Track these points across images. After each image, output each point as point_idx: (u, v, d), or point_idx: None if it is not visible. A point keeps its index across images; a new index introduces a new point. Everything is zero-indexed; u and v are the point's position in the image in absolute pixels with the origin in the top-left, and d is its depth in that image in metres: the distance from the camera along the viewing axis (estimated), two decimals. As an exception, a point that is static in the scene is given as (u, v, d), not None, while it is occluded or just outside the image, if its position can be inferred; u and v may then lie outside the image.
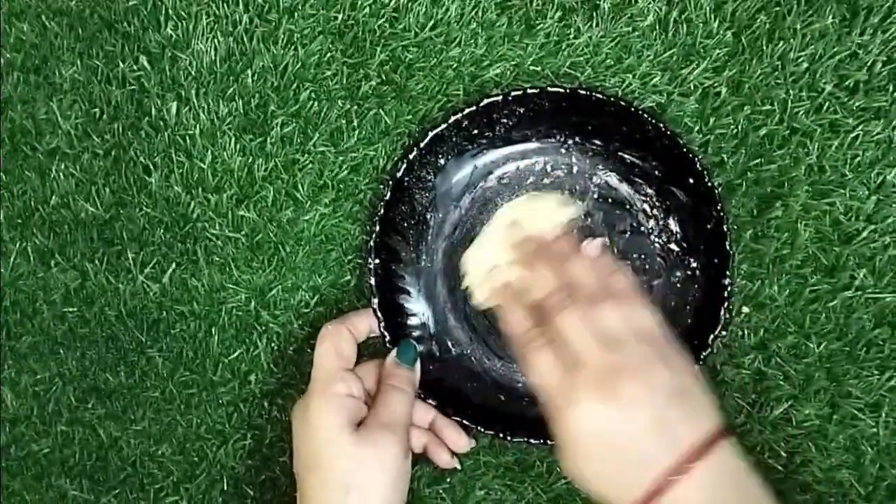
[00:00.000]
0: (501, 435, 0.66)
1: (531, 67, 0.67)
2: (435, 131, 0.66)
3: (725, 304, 0.64)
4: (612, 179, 0.68)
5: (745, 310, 0.66)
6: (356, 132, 0.68)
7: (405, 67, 0.68)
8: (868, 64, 0.64)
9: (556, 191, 0.69)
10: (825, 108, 0.65)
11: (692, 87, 0.66)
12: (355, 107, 0.68)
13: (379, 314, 0.67)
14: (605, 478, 0.56)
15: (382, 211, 0.67)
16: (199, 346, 0.71)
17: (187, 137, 0.69)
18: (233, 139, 0.69)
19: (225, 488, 0.72)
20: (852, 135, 0.65)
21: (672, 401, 0.56)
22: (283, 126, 0.68)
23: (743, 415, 0.66)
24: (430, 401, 0.67)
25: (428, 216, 0.69)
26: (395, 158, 0.69)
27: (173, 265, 0.70)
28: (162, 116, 0.69)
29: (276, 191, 0.69)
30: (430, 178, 0.68)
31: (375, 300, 0.67)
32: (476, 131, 0.67)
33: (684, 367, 0.58)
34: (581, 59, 0.67)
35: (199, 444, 0.72)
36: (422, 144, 0.66)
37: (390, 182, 0.67)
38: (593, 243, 0.65)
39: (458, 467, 0.68)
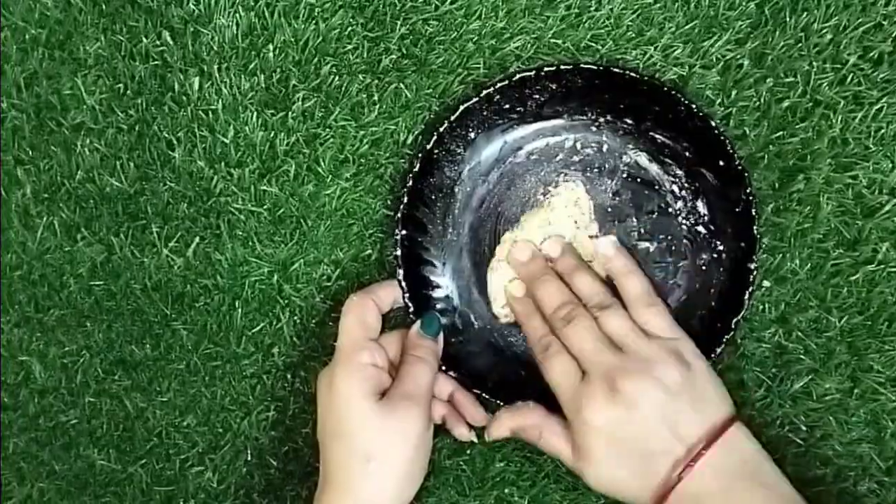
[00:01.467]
0: None
1: (552, 40, 0.67)
2: (466, 104, 0.66)
3: (750, 289, 0.64)
4: (642, 159, 0.68)
5: (766, 283, 0.66)
6: (377, 106, 0.68)
7: (425, 41, 0.68)
8: (893, 35, 0.64)
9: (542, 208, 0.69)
10: (849, 80, 0.64)
11: (714, 60, 0.66)
12: (376, 81, 0.68)
13: (404, 285, 0.67)
14: (622, 478, 0.60)
15: (411, 182, 0.67)
16: (222, 320, 0.72)
17: (210, 112, 0.69)
18: (255, 114, 0.69)
19: (249, 459, 0.73)
20: (876, 107, 0.64)
21: (676, 395, 0.59)
22: (305, 101, 0.69)
23: (763, 388, 0.66)
24: (450, 373, 0.67)
25: (456, 189, 0.69)
26: (418, 132, 0.69)
27: (197, 239, 0.71)
28: (185, 91, 0.70)
29: (298, 165, 0.69)
30: (459, 151, 0.68)
31: (401, 271, 0.67)
32: (507, 106, 0.67)
33: (692, 359, 0.61)
34: (602, 31, 0.66)
35: (224, 416, 0.73)
36: (452, 117, 0.66)
37: (420, 154, 0.67)
38: (605, 241, 0.67)
39: (475, 440, 0.69)
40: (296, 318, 0.71)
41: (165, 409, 0.73)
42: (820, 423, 0.66)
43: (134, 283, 0.72)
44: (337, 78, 0.68)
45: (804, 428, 0.66)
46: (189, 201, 0.71)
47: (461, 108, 0.66)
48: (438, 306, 0.69)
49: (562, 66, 0.65)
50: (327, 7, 0.68)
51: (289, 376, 0.72)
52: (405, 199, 0.67)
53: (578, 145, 0.69)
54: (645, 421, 0.58)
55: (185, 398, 0.73)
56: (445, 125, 0.66)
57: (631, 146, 0.68)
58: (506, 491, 0.70)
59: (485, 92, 0.66)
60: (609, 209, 0.69)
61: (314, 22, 0.68)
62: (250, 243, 0.70)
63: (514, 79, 0.66)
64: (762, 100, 0.65)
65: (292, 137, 0.69)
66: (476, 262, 0.70)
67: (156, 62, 0.70)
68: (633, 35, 0.66)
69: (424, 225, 0.69)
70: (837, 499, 0.65)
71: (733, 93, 0.66)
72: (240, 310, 0.71)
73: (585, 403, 0.60)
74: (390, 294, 0.68)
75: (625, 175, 0.68)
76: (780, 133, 0.65)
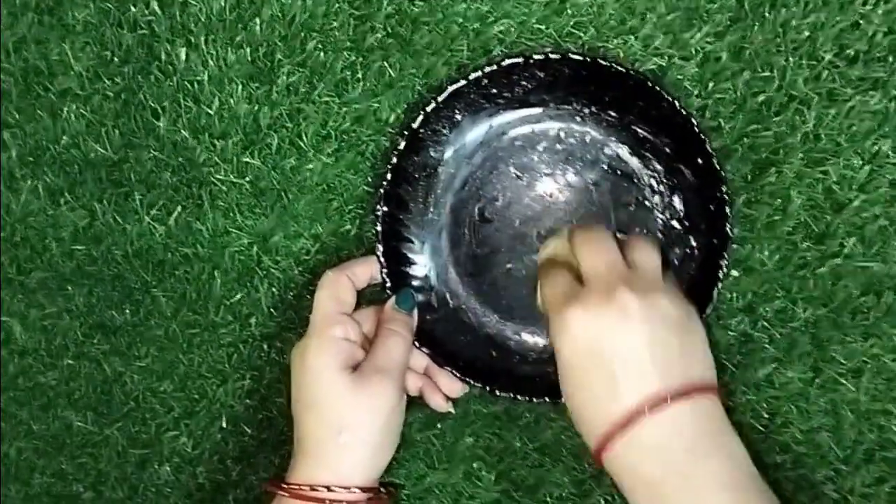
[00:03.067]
0: (489, 389, 0.67)
1: (535, 26, 0.68)
2: (454, 86, 0.67)
3: (719, 285, 0.65)
4: (623, 152, 0.69)
5: (735, 273, 0.67)
6: (360, 84, 0.69)
7: (411, 21, 0.68)
8: (869, 34, 0.65)
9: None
10: (824, 76, 0.65)
11: (693, 52, 0.67)
12: (360, 59, 0.69)
13: (382, 261, 0.68)
14: (588, 391, 0.57)
15: (395, 160, 0.68)
16: (202, 288, 0.72)
17: (195, 83, 0.70)
18: (240, 86, 0.70)
19: (224, 426, 0.74)
20: (849, 104, 0.65)
21: (673, 331, 0.56)
22: (290, 75, 0.69)
23: (727, 375, 0.67)
24: (423, 350, 0.68)
25: (439, 170, 0.70)
26: (401, 111, 0.69)
27: (179, 208, 0.72)
28: (171, 61, 0.70)
29: (281, 139, 0.70)
30: (444, 132, 0.69)
31: (380, 247, 0.68)
32: (494, 90, 0.68)
33: (694, 316, 0.59)
34: (585, 19, 0.67)
35: (200, 383, 0.74)
36: (440, 98, 0.67)
37: (405, 132, 0.67)
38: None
39: (453, 411, 0.70)
40: (274, 289, 0.72)
41: (143, 374, 0.74)
42: (781, 411, 0.67)
43: (115, 249, 0.73)
44: (322, 54, 0.69)
45: (766, 415, 0.67)
46: (172, 170, 0.71)
47: (449, 89, 0.67)
48: (415, 283, 0.70)
49: (550, 55, 0.66)
50: (315, -17, 0.69)
51: (265, 346, 0.73)
52: (389, 176, 0.68)
53: (562, 134, 0.69)
54: (634, 341, 0.55)
55: (163, 364, 0.74)
56: (433, 105, 0.67)
57: (613, 138, 0.69)
58: (474, 465, 0.71)
59: (473, 75, 0.67)
60: (588, 200, 0.70)
61: (302, -2, 0.69)
62: (231, 214, 0.71)
63: (502, 64, 0.66)
64: (738, 93, 0.66)
65: (276, 111, 0.70)
66: (455, 242, 0.71)
67: (143, 31, 0.70)
68: (615, 24, 0.67)
69: (406, 202, 0.70)
70: (795, 485, 0.67)
71: (710, 85, 0.67)
72: (219, 279, 0.72)
73: (574, 302, 0.56)
74: (366, 270, 0.68)
75: (605, 167, 0.69)
76: (755, 126, 0.66)
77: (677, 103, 0.65)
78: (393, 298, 0.68)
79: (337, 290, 0.67)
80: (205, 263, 0.72)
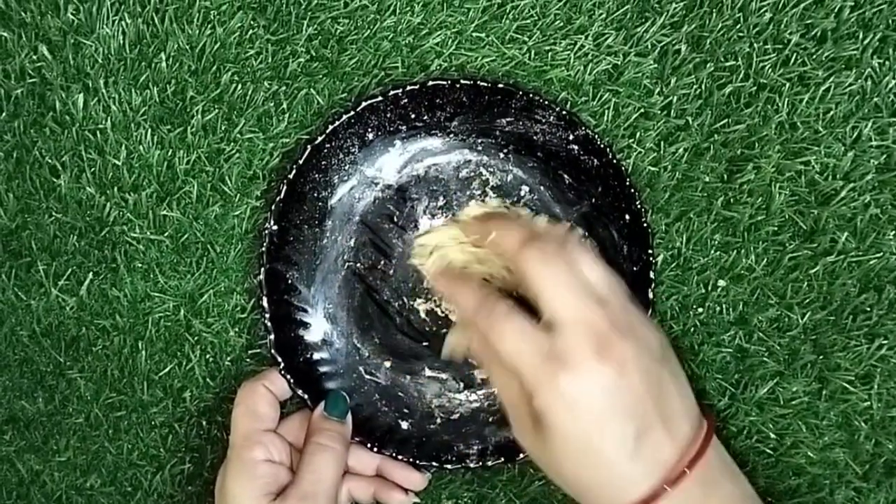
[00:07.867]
0: (449, 467, 0.61)
1: (474, 34, 0.61)
2: (368, 102, 0.60)
3: None
4: (546, 196, 0.63)
5: (722, 283, 0.61)
6: (286, 115, 0.62)
7: (336, 41, 0.62)
8: (835, 10, 0.60)
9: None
10: (793, 60, 0.60)
11: (650, 46, 0.61)
12: (283, 87, 0.62)
13: (269, 322, 0.61)
14: (595, 470, 0.50)
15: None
16: (125, 364, 0.64)
17: (98, 132, 0.62)
18: (149, 131, 0.62)
19: (164, 519, 0.65)
20: (823, 87, 0.60)
21: (664, 369, 0.51)
22: (205, 113, 0.62)
23: (727, 397, 0.61)
24: (368, 445, 0.62)
25: (344, 199, 0.64)
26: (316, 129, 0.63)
27: (90, 275, 0.63)
28: (68, 110, 0.62)
29: (201, 185, 0.62)
30: (353, 149, 0.63)
31: (265, 301, 0.61)
32: (413, 115, 0.62)
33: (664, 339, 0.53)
34: (528, 21, 0.61)
35: (133, 473, 0.65)
36: (351, 113, 0.61)
37: (308, 147, 0.61)
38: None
39: (418, 501, 0.62)
40: (208, 356, 0.64)
41: (65, 470, 0.65)
42: (789, 430, 0.61)
43: (20, 330, 0.64)
44: (239, 86, 0.62)
45: (773, 436, 0.61)
46: (79, 233, 0.63)
47: (363, 104, 0.60)
48: (323, 369, 0.63)
49: (479, 82, 0.60)
50: (224, 9, 0.62)
51: (204, 422, 0.65)
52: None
53: (482, 169, 0.63)
54: (632, 402, 0.48)
55: (87, 456, 0.65)
56: (343, 119, 0.61)
57: (536, 181, 0.63)
58: (455, 532, 0.64)
59: (392, 92, 0.60)
60: None
61: (210, 26, 0.62)
62: (152, 276, 0.63)
63: (427, 84, 0.60)
64: (703, 86, 0.61)
65: (193, 155, 0.62)
66: (350, 294, 0.64)
67: (33, 79, 0.62)
68: (562, 24, 0.61)
69: (292, 258, 0.63)
70: (814, 511, 0.61)
71: (672, 80, 0.61)
72: (144, 351, 0.64)
73: (565, 362, 0.48)
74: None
75: (525, 209, 0.63)
76: (725, 120, 0.61)
77: (610, 152, 0.60)
78: (321, 405, 0.61)
79: (254, 403, 0.60)
80: (126, 335, 0.64)
